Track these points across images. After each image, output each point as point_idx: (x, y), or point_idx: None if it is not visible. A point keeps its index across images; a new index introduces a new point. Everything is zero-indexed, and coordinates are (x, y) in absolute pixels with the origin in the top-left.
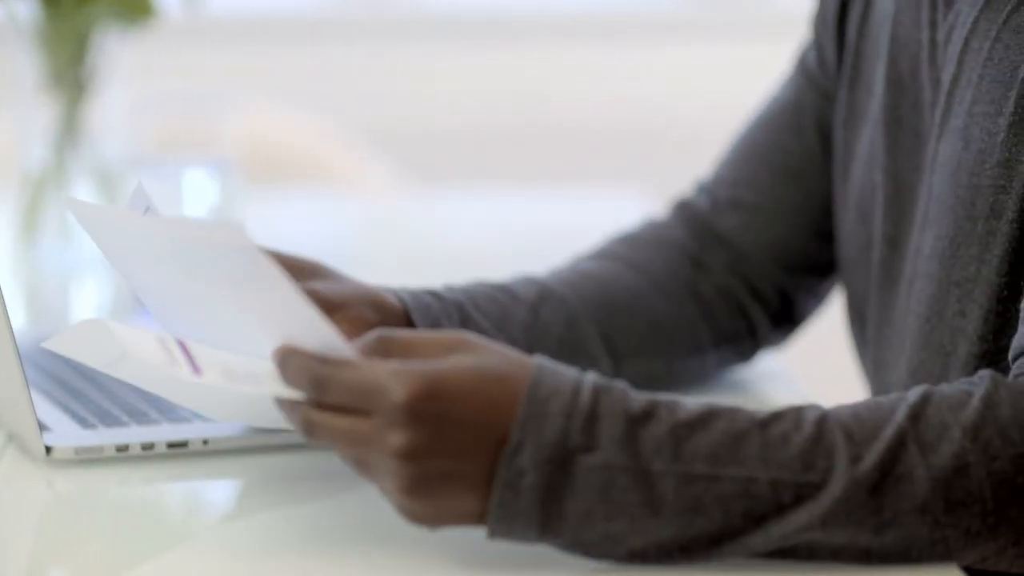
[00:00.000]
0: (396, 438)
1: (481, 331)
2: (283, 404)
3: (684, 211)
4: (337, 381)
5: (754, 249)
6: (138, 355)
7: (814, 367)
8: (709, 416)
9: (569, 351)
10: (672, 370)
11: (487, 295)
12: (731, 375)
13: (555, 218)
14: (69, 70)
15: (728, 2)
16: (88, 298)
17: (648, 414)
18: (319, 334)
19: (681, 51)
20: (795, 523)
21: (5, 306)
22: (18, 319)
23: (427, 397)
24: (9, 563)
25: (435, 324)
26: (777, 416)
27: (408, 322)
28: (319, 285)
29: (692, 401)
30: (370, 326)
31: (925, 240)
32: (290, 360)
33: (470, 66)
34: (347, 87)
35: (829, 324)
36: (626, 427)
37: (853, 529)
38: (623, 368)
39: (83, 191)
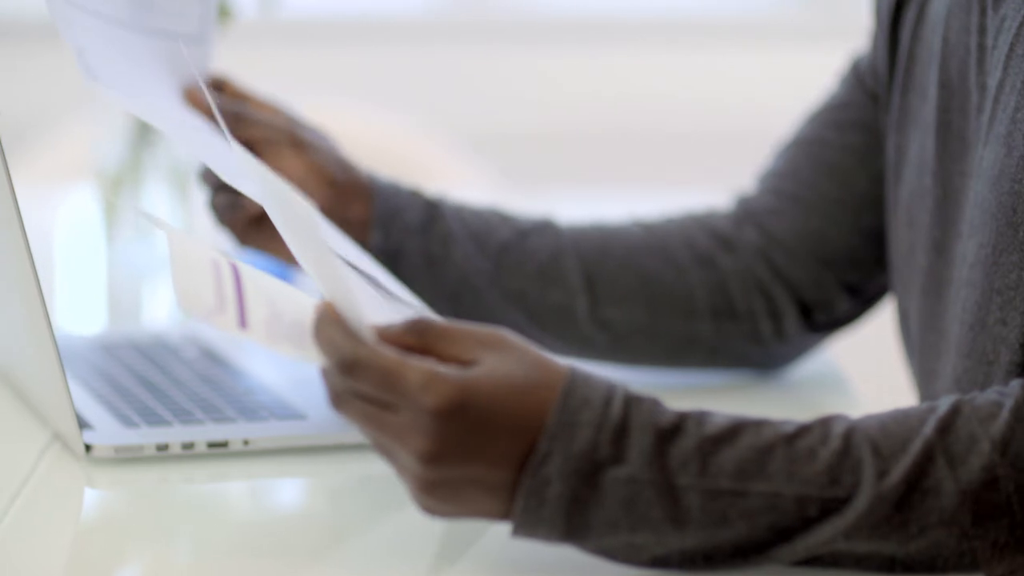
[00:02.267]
0: (420, 441)
1: (449, 232)
2: (320, 368)
3: (736, 199)
4: (365, 367)
5: (789, 236)
6: (190, 303)
7: (870, 372)
8: (736, 430)
9: (547, 281)
10: (657, 326)
11: (479, 212)
12: (784, 377)
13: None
14: None
15: (824, 6)
16: (164, 295)
17: (677, 428)
18: (350, 315)
19: (779, 56)
20: (820, 536)
21: (46, 309)
22: (93, 316)
23: (457, 407)
24: (47, 559)
25: (394, 211)
26: (804, 429)
27: (368, 198)
28: (299, 127)
29: (721, 414)
30: (324, 176)
31: (969, 247)
32: (324, 330)
33: (565, 68)
34: (440, 89)
35: (887, 329)
36: (654, 441)
37: (877, 541)
38: (602, 312)
39: (158, 190)
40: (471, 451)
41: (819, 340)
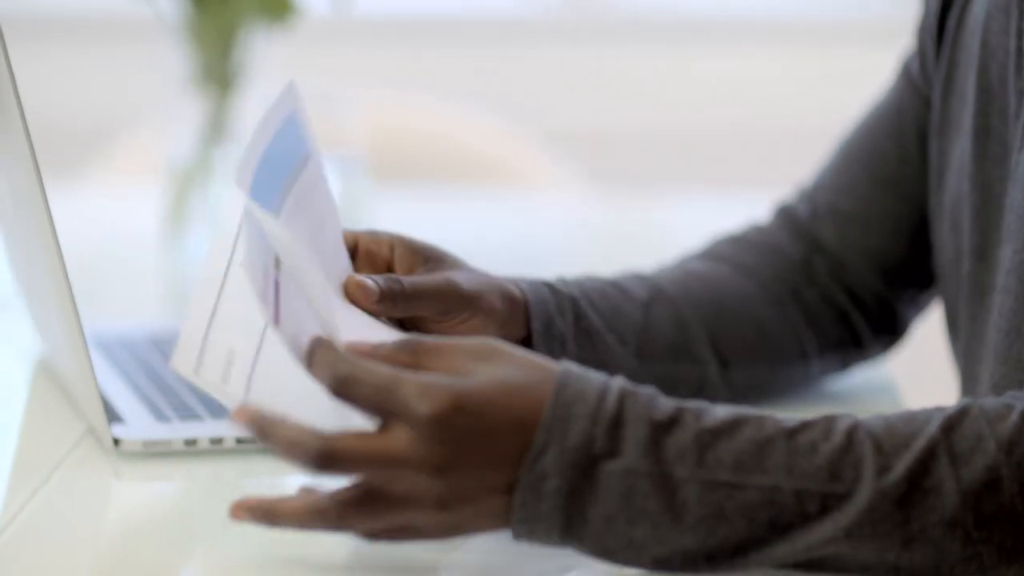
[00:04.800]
0: (424, 451)
1: (593, 329)
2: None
3: (786, 217)
4: (360, 383)
5: (853, 257)
6: (183, 365)
7: (923, 379)
8: (736, 423)
9: (678, 355)
10: (777, 377)
11: (599, 291)
12: (831, 383)
13: (737, 223)
14: (217, 66)
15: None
16: None
17: (674, 420)
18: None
19: (868, 57)
20: (820, 534)
21: (75, 303)
22: (148, 311)
23: (454, 412)
24: (68, 551)
25: (549, 320)
26: (807, 425)
27: (527, 318)
28: (458, 276)
29: (721, 408)
30: (500, 317)
31: (1006, 253)
32: (319, 354)
33: (653, 68)
34: (515, 88)
35: (938, 335)
36: (650, 433)
37: (879, 542)
38: (730, 374)
39: (227, 186)
40: (474, 455)
41: (883, 353)
